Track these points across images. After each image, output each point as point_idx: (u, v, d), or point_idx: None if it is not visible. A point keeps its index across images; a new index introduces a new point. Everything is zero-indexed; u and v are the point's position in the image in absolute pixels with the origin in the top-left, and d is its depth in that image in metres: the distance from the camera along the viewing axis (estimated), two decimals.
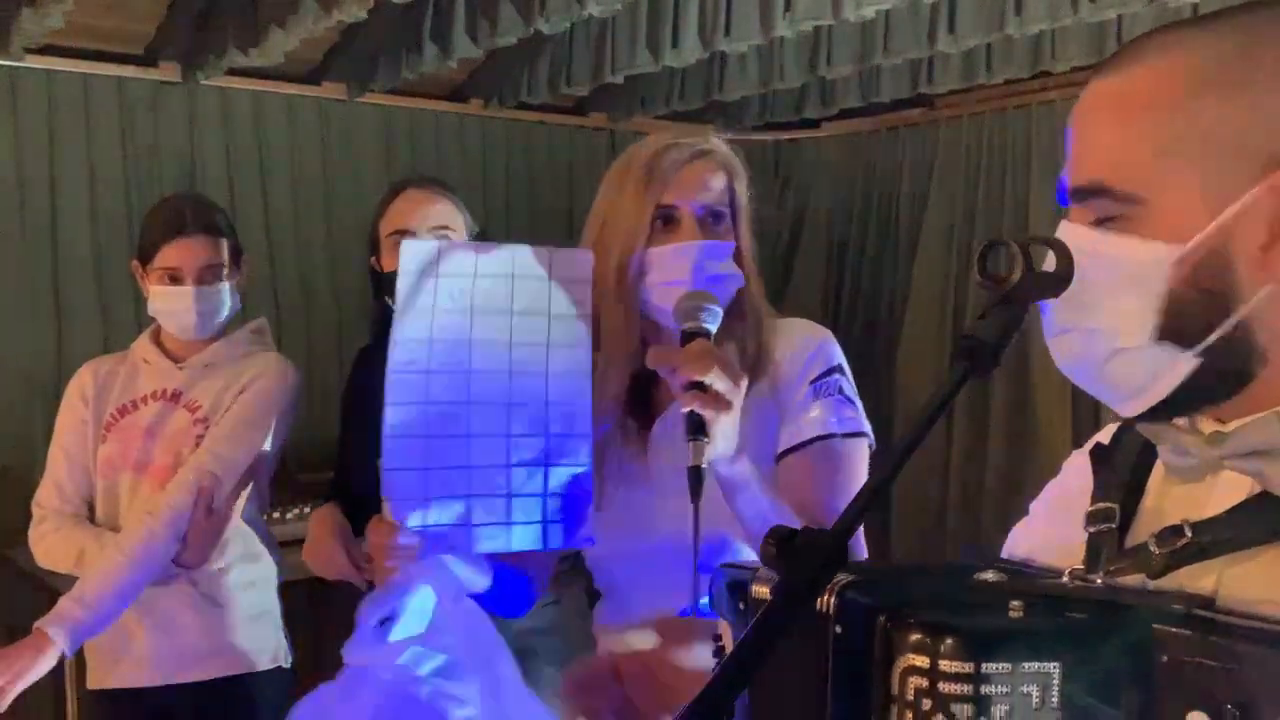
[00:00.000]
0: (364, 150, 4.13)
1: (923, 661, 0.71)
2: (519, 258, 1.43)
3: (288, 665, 2.39)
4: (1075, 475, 0.95)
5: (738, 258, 1.54)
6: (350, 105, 4.03)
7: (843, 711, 0.77)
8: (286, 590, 2.48)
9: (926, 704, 0.71)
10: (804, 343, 1.56)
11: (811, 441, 1.50)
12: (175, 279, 2.25)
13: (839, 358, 1.57)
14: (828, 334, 1.59)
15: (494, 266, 1.42)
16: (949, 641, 0.71)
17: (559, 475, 1.42)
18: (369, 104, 4.06)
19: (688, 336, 1.38)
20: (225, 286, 2.30)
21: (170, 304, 2.27)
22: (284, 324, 3.84)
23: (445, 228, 2.20)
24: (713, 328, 1.40)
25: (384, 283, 2.23)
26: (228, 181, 3.82)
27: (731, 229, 1.54)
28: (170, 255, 2.24)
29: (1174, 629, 0.70)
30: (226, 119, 3.83)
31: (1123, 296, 0.77)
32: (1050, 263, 0.80)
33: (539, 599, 1.90)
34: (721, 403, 1.31)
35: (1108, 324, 0.78)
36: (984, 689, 0.70)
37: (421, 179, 2.33)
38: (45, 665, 2.04)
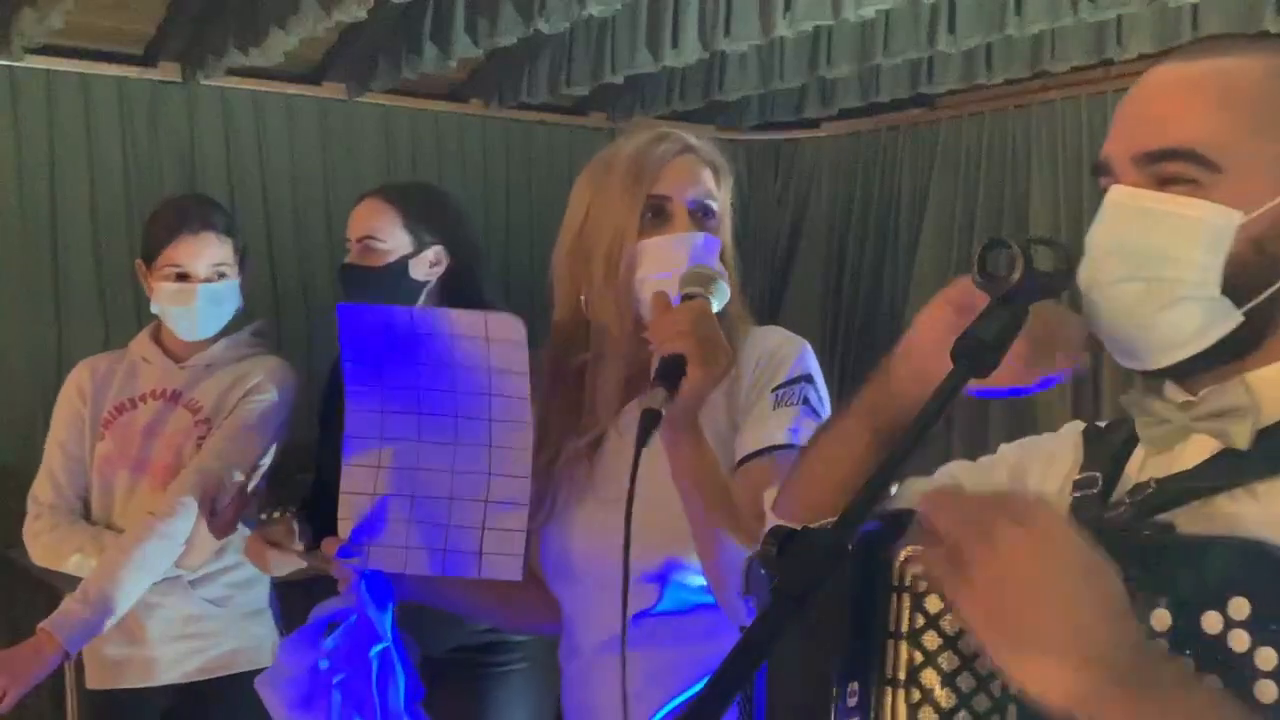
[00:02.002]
0: (364, 150, 4.13)
1: (919, 549, 0.79)
2: (456, 317, 1.51)
3: None
4: (1067, 446, 1.04)
5: (721, 259, 1.47)
6: (350, 105, 4.03)
7: (859, 618, 0.82)
8: (284, 590, 2.48)
9: (921, 586, 0.79)
10: (770, 350, 1.47)
11: (764, 452, 1.39)
12: (182, 278, 2.25)
13: (809, 367, 1.47)
14: (801, 342, 1.50)
15: (432, 325, 1.51)
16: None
17: (496, 511, 1.50)
18: (369, 104, 4.06)
19: (686, 301, 1.30)
20: (231, 286, 2.31)
21: (176, 303, 2.27)
22: (284, 324, 3.84)
23: (369, 237, 2.18)
24: (716, 304, 1.32)
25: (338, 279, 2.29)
26: (228, 181, 3.81)
27: (717, 228, 1.49)
28: (176, 254, 2.25)
29: (1141, 543, 0.78)
30: (226, 119, 3.83)
31: (1187, 249, 0.85)
32: (1049, 261, 0.82)
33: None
34: (706, 360, 1.22)
35: (1171, 274, 0.86)
36: None
37: (379, 187, 2.32)
38: (49, 666, 2.04)
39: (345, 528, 1.51)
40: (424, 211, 2.24)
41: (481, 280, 2.28)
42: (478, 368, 1.48)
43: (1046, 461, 1.03)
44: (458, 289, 2.22)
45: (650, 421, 1.18)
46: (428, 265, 2.21)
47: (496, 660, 2.18)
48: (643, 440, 1.19)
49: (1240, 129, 0.86)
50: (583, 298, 1.50)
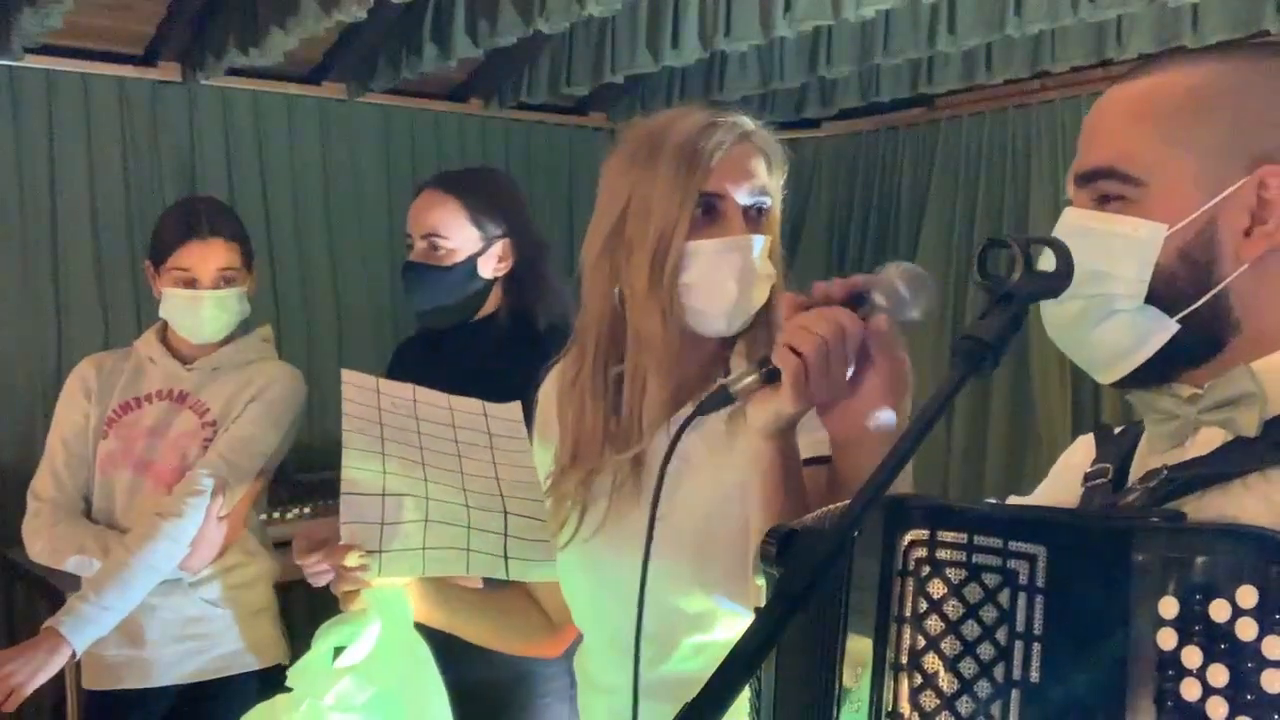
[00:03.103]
0: (364, 150, 4.13)
1: (923, 535, 0.79)
2: (454, 399, 1.50)
3: (287, 663, 2.39)
4: (1079, 453, 1.05)
5: (769, 256, 1.35)
6: (350, 105, 4.03)
7: (863, 602, 0.82)
8: (286, 590, 2.48)
9: (925, 570, 0.79)
10: None
11: (816, 461, 1.26)
12: (190, 282, 2.25)
13: None
14: None
15: (431, 397, 1.48)
16: (946, 516, 0.80)
17: (517, 520, 1.41)
18: (369, 104, 4.06)
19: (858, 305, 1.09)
20: (238, 292, 2.31)
21: (184, 307, 2.27)
22: (284, 324, 3.84)
23: (434, 235, 2.08)
24: (901, 314, 1.11)
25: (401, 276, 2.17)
26: (227, 181, 3.82)
27: (773, 220, 1.36)
28: (186, 257, 2.25)
29: (1149, 529, 0.78)
30: (226, 119, 3.83)
31: (1121, 265, 0.88)
32: (1049, 261, 0.83)
33: None
34: (800, 385, 1.06)
35: (1107, 290, 0.88)
36: (976, 558, 0.77)
37: (439, 177, 2.18)
38: (57, 664, 2.04)
39: (350, 532, 1.36)
40: (490, 204, 2.11)
41: (547, 271, 2.16)
42: (477, 429, 1.46)
43: (1066, 471, 1.05)
44: (523, 283, 2.13)
45: (716, 397, 1.06)
46: (495, 261, 2.11)
47: (526, 693, 2.07)
48: (703, 409, 1.07)
49: (1156, 144, 0.88)
50: (616, 290, 1.38)
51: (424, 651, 1.43)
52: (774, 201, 1.37)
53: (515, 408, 1.48)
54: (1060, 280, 0.86)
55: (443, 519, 1.39)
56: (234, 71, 3.55)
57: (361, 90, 3.94)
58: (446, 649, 1.54)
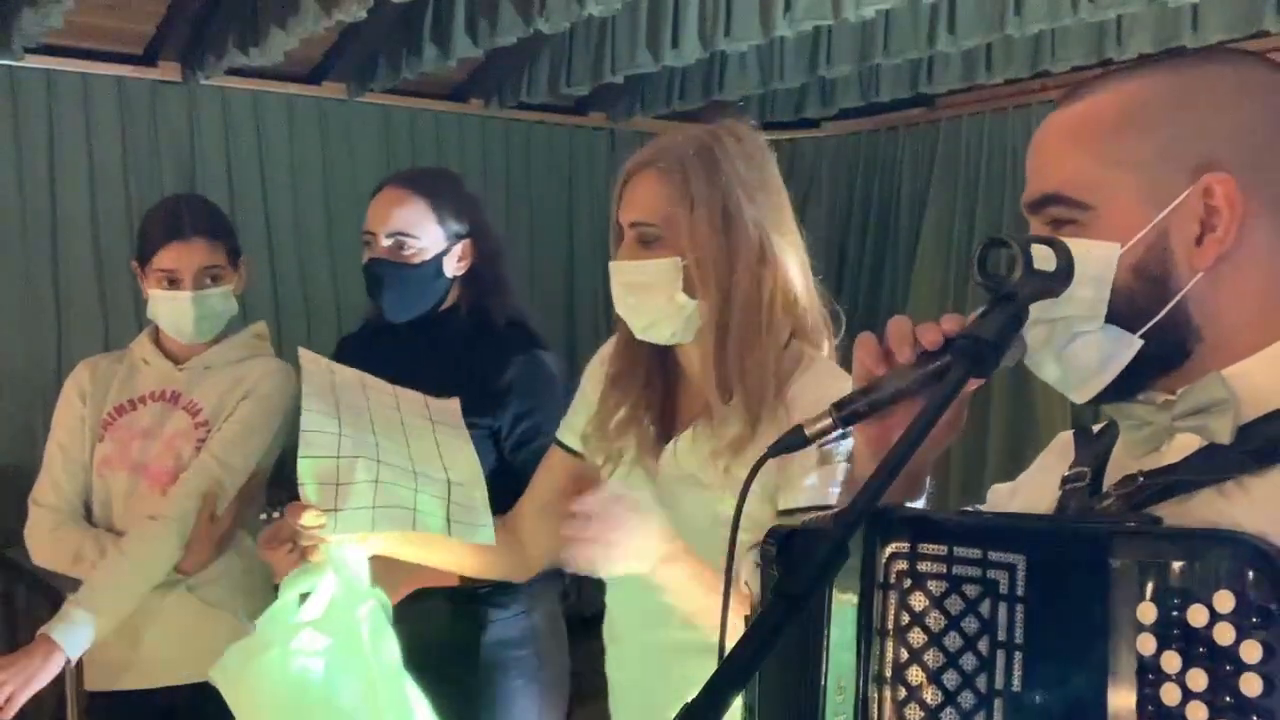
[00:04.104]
0: (364, 150, 4.13)
1: (904, 546, 0.80)
2: (398, 389, 1.67)
3: None
4: (1058, 453, 1.05)
5: (693, 272, 1.42)
6: (350, 105, 4.04)
7: (842, 616, 0.83)
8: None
9: (906, 583, 0.80)
10: (828, 396, 1.16)
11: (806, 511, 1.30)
12: (173, 281, 2.25)
13: None
14: None
15: (377, 383, 1.65)
16: (926, 528, 0.80)
17: (458, 490, 1.57)
18: (369, 104, 4.07)
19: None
20: (223, 290, 2.30)
21: (168, 307, 2.26)
22: (284, 324, 3.85)
23: (402, 234, 2.08)
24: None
25: (365, 273, 2.17)
26: (228, 181, 3.82)
27: (679, 242, 1.43)
28: (168, 257, 2.24)
29: (1127, 534, 0.78)
30: (226, 119, 3.83)
31: (1079, 288, 0.87)
32: (1049, 261, 0.83)
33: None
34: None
35: (1069, 312, 0.88)
36: (956, 569, 0.78)
37: (402, 176, 2.20)
38: (51, 671, 2.03)
39: (306, 492, 1.49)
40: (453, 204, 2.14)
41: (504, 271, 2.20)
42: (420, 415, 1.63)
43: (1044, 472, 1.05)
44: (482, 281, 2.16)
45: (787, 442, 0.92)
46: (456, 260, 2.13)
47: (499, 678, 2.09)
48: (774, 451, 0.92)
49: (1098, 165, 0.88)
50: None
51: (375, 605, 1.54)
52: (681, 225, 1.42)
53: (454, 402, 1.65)
54: (1060, 280, 0.86)
55: (392, 480, 1.53)
56: (234, 71, 3.56)
57: (361, 90, 3.94)
58: (422, 647, 1.66)
